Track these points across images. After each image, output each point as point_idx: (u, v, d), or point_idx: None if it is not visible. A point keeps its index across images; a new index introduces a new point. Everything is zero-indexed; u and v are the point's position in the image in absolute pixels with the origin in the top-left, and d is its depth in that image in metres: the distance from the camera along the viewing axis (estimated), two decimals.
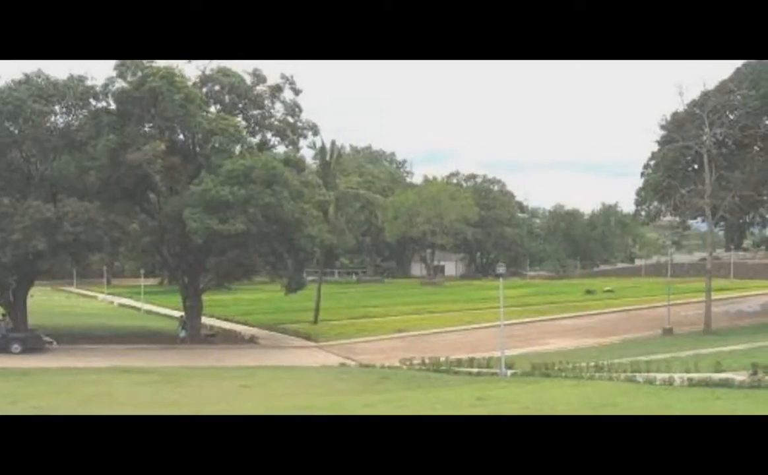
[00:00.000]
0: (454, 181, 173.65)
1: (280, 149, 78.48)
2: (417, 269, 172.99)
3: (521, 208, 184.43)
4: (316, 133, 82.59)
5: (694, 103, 79.05)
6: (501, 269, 62.13)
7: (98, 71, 77.58)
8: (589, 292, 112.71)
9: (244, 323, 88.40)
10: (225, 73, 74.95)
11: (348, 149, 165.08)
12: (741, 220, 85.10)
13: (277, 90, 77.31)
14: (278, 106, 77.92)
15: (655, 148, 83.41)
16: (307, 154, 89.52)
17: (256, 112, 77.50)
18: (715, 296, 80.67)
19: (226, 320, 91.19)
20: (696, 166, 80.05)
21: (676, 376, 38.89)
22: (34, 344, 64.80)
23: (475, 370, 53.07)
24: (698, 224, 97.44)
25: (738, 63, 79.83)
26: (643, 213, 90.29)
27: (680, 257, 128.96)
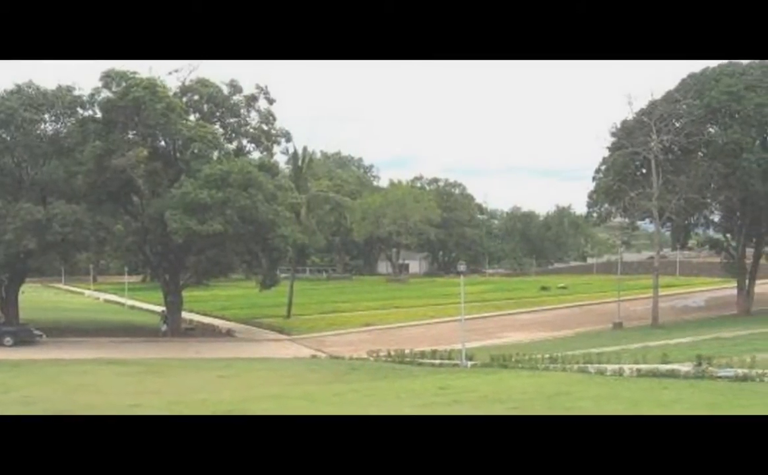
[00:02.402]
0: (418, 184, 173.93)
1: (255, 155, 78.36)
2: (383, 267, 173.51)
3: (480, 210, 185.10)
4: (288, 140, 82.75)
5: (642, 112, 79.38)
6: (462, 267, 62.30)
7: (85, 82, 77.36)
8: (544, 288, 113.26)
9: (222, 318, 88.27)
10: (204, 83, 74.89)
11: (318, 155, 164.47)
12: (686, 222, 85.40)
13: (252, 100, 77.20)
14: (253, 114, 77.86)
15: (606, 153, 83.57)
16: (280, 159, 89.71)
17: (232, 120, 77.36)
18: (662, 292, 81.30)
19: (205, 314, 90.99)
20: (644, 171, 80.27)
21: (626, 367, 39.02)
22: (24, 337, 64.55)
23: (437, 361, 53.06)
24: (646, 225, 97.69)
25: (683, 74, 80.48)
26: (594, 214, 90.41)
27: (629, 256, 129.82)
